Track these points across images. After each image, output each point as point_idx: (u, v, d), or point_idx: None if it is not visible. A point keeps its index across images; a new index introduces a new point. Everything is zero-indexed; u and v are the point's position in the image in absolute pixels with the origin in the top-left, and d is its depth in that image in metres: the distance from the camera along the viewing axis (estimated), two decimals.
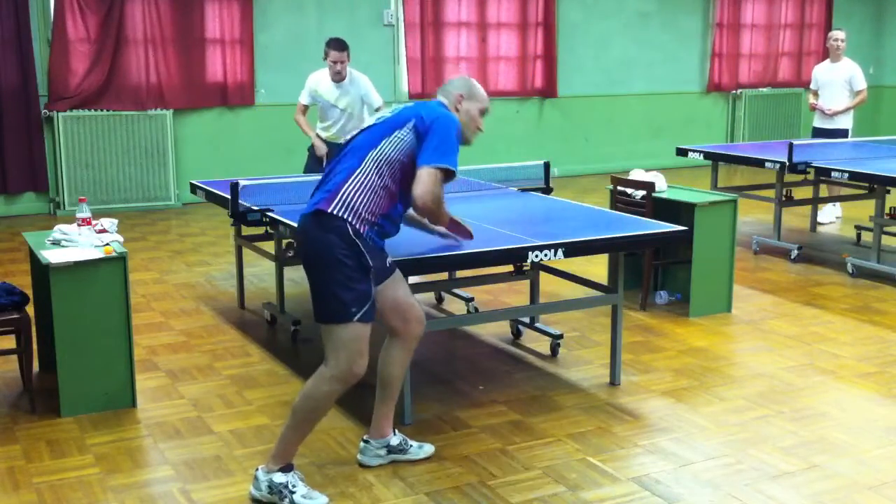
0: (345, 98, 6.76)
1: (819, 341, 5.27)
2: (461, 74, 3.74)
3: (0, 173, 9.16)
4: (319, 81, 6.83)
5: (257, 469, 3.47)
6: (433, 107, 3.56)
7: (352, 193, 3.37)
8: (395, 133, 3.44)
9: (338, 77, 6.67)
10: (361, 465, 3.71)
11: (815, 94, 8.76)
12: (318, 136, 6.91)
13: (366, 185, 3.38)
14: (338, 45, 6.63)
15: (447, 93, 3.68)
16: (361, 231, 3.35)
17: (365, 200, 3.37)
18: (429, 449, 3.81)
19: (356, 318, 3.32)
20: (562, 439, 3.97)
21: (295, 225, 4.53)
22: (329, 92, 6.77)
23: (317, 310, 3.42)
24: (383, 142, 3.44)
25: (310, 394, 3.40)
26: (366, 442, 3.74)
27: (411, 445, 3.77)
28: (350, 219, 3.34)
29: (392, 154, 3.42)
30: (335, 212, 3.34)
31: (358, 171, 3.40)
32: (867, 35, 13.61)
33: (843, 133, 8.53)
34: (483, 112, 3.72)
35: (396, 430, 3.78)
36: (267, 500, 3.41)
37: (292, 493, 3.36)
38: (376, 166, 3.40)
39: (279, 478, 3.39)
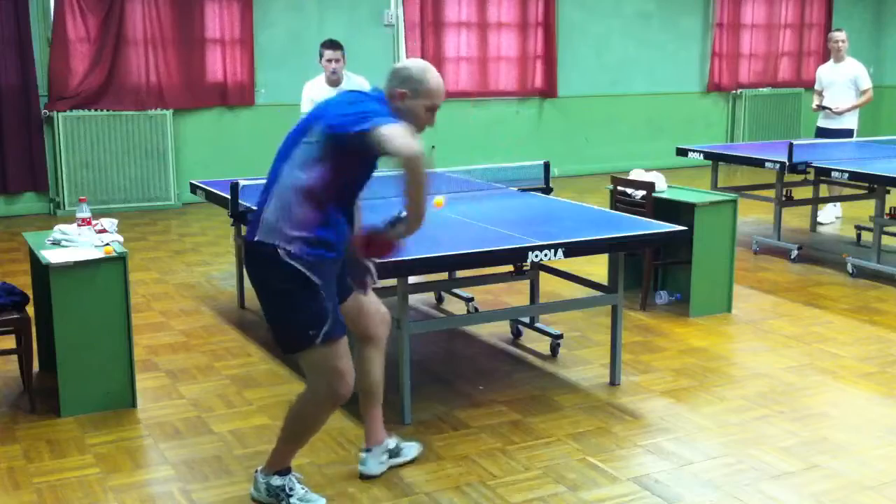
0: None
1: (819, 341, 5.27)
2: (409, 61, 3.35)
3: (0, 173, 9.17)
4: (315, 90, 6.72)
5: (256, 471, 3.46)
6: (343, 101, 3.24)
7: (273, 216, 3.12)
8: (302, 140, 3.15)
9: (334, 78, 6.61)
10: (366, 478, 3.59)
11: (820, 94, 8.76)
12: None
13: (286, 204, 3.11)
14: (332, 44, 6.59)
15: (388, 86, 3.25)
16: (296, 252, 3.10)
17: (288, 219, 3.10)
18: (417, 445, 3.78)
19: (318, 340, 3.14)
20: (562, 439, 3.97)
21: None
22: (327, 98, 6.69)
23: (277, 341, 3.33)
24: (293, 152, 3.15)
25: (298, 416, 3.34)
26: (367, 451, 3.64)
27: (403, 447, 3.73)
28: (279, 243, 3.09)
29: (306, 161, 3.11)
30: (262, 239, 3.13)
31: (274, 190, 3.15)
32: (867, 35, 13.61)
33: (848, 133, 8.52)
34: (433, 109, 3.25)
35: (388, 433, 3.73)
36: (266, 503, 3.41)
37: (289, 495, 3.35)
38: (292, 180, 3.11)
39: (276, 481, 3.37)
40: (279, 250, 3.10)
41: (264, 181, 3.29)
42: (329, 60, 6.57)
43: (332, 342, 3.18)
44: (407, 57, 10.67)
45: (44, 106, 9.22)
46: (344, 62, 6.63)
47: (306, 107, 6.79)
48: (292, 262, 3.10)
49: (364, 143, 3.03)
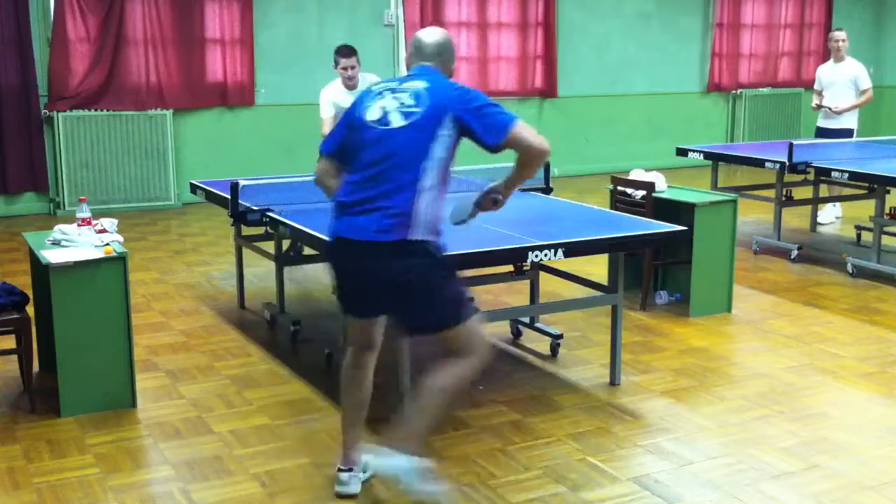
0: None
1: (819, 341, 5.27)
2: (436, 31, 3.48)
3: (0, 173, 9.17)
4: (335, 94, 6.63)
5: (387, 449, 3.27)
6: (452, 88, 3.31)
7: (426, 211, 3.19)
8: (439, 133, 3.21)
9: (350, 83, 6.54)
10: (347, 497, 3.47)
11: (819, 94, 8.76)
12: None
13: (431, 198, 3.20)
14: (346, 51, 6.51)
15: (444, 60, 3.42)
16: (441, 246, 3.28)
17: (435, 211, 3.23)
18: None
19: (473, 309, 3.36)
20: (562, 439, 3.98)
21: (295, 225, 4.56)
22: (347, 102, 6.60)
23: (433, 321, 3.33)
24: (433, 147, 3.20)
25: (447, 386, 3.31)
26: (349, 471, 3.50)
27: (364, 458, 3.60)
28: (433, 238, 3.24)
29: (444, 156, 3.22)
30: (420, 237, 3.19)
31: (421, 185, 3.18)
32: (867, 35, 13.61)
33: (847, 133, 8.52)
34: None
35: None
36: (388, 476, 3.30)
37: (424, 480, 3.23)
38: (435, 174, 3.20)
39: (426, 463, 3.26)
40: (433, 245, 3.25)
41: (371, 178, 3.22)
42: (345, 68, 6.50)
43: (477, 314, 3.39)
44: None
45: (44, 106, 9.22)
46: (359, 66, 6.57)
47: (326, 112, 6.64)
48: (441, 253, 3.29)
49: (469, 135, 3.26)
